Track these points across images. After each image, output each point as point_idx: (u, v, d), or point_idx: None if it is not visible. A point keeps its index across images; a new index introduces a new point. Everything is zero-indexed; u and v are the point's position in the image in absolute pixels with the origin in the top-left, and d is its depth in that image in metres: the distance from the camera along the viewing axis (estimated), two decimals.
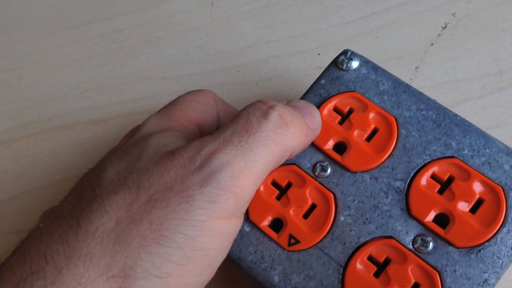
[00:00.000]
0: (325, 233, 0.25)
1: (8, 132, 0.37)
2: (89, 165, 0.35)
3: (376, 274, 0.24)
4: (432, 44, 0.35)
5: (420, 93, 0.27)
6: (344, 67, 0.28)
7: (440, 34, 0.35)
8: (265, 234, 0.26)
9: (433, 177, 0.25)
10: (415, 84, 0.34)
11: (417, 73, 0.35)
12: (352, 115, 0.27)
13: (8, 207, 0.35)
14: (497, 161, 0.25)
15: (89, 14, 0.40)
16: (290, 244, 0.25)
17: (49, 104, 0.38)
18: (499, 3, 0.36)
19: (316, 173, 0.26)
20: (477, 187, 0.24)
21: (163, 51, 0.38)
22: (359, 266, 0.24)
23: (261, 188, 0.26)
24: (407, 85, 0.27)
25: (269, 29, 0.38)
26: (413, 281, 0.23)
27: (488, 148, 0.25)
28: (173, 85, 0.37)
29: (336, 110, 0.27)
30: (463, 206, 0.24)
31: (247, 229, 0.26)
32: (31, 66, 0.39)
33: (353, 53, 0.28)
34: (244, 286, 0.31)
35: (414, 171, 0.25)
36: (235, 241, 0.26)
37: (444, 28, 0.36)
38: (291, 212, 0.26)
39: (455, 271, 0.23)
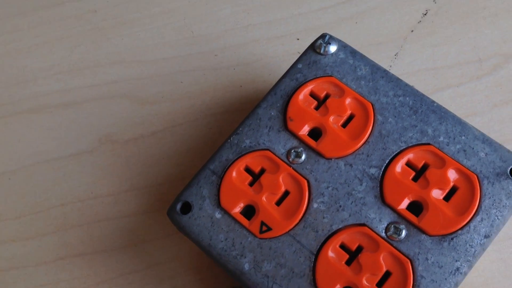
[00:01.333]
0: (297, 221, 0.25)
1: None
2: (60, 150, 0.35)
3: (348, 262, 0.24)
4: (412, 31, 0.35)
5: (398, 79, 0.26)
6: (321, 51, 0.27)
7: (420, 21, 0.35)
8: (236, 221, 0.25)
9: (408, 164, 0.25)
10: (394, 71, 0.34)
11: (397, 59, 0.34)
12: (328, 101, 0.26)
13: None
14: (473, 148, 0.25)
15: None
16: (261, 232, 0.25)
17: (19, 86, 0.37)
18: None
19: (290, 159, 0.26)
20: (452, 174, 0.24)
21: (139, 34, 0.37)
22: (331, 254, 0.24)
23: (234, 174, 0.26)
24: (385, 70, 0.27)
25: (248, 13, 0.37)
26: (384, 269, 0.23)
27: (464, 136, 0.25)
28: (148, 69, 0.36)
29: (312, 95, 0.27)
30: (437, 194, 0.24)
31: (218, 215, 0.25)
32: (2, 46, 0.38)
33: (331, 37, 0.27)
34: (215, 274, 0.30)
35: (389, 158, 0.25)
36: (206, 228, 0.25)
37: (425, 14, 0.35)
38: (264, 199, 0.25)
39: (427, 259, 0.23)
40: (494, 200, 0.24)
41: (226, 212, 0.25)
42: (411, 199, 0.24)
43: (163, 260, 0.31)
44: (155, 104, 0.35)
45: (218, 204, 0.25)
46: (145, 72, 0.36)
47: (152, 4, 0.38)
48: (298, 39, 0.36)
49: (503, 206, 0.23)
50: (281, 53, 0.35)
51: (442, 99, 0.33)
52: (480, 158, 0.24)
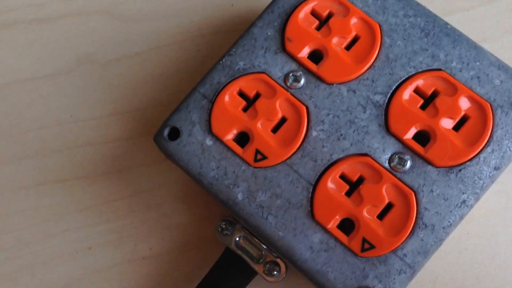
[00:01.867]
0: (295, 149, 0.23)
1: None
2: (35, 70, 0.32)
3: (348, 193, 0.23)
4: None
5: None
6: None
7: None
8: (229, 148, 0.23)
9: (417, 91, 0.23)
10: None
11: None
12: (331, 20, 0.24)
13: None
14: (487, 75, 0.23)
15: None
16: (256, 160, 0.23)
17: None
18: None
19: (288, 84, 0.24)
20: (463, 102, 0.23)
21: None
22: (330, 184, 0.22)
23: (226, 98, 0.24)
24: None
25: None
26: (386, 201, 0.22)
27: (479, 61, 0.23)
28: None
29: (313, 13, 0.24)
30: (447, 123, 0.23)
31: (209, 142, 0.23)
32: None
33: None
34: (205, 203, 0.29)
35: (397, 84, 0.23)
36: (196, 155, 0.23)
37: None
38: (259, 125, 0.23)
39: (432, 191, 0.22)
40: (507, 130, 0.22)
41: (217, 139, 0.23)
42: (418, 129, 0.23)
43: (149, 187, 0.30)
44: (138, 22, 0.33)
45: (209, 130, 0.24)
46: None
47: None
48: None
49: None
50: None
51: (451, 23, 0.30)
52: (495, 86, 0.23)
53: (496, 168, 0.22)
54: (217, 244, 0.27)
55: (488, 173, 0.22)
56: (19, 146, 0.31)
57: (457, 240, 0.28)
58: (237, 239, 0.25)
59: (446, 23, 0.24)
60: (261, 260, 0.24)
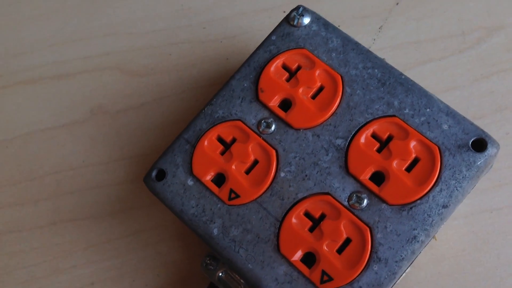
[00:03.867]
0: (264, 189, 0.26)
1: None
2: (54, 120, 0.36)
3: (311, 229, 0.25)
4: (397, 4, 0.35)
5: (368, 51, 0.27)
6: (295, 23, 0.28)
7: None
8: (207, 188, 0.26)
9: (373, 135, 0.25)
10: (378, 44, 0.34)
11: (381, 33, 0.35)
12: (299, 72, 0.27)
13: None
14: (437, 120, 0.25)
15: None
16: (230, 199, 0.26)
17: (16, 57, 0.38)
18: None
19: (261, 129, 0.27)
20: (414, 146, 0.25)
21: (131, 6, 0.38)
22: (294, 221, 0.25)
23: (206, 143, 0.27)
24: (356, 43, 0.27)
25: None
26: (344, 236, 0.24)
27: (429, 108, 0.25)
28: (139, 41, 0.37)
29: (284, 67, 0.27)
30: (399, 165, 0.25)
31: (190, 183, 0.26)
32: (0, 18, 0.40)
33: (305, 9, 0.28)
34: (198, 241, 0.32)
35: (356, 130, 0.26)
36: (178, 194, 0.26)
37: None
38: (233, 167, 0.26)
39: (385, 227, 0.24)
40: (454, 171, 0.24)
41: (198, 180, 0.26)
42: (374, 170, 0.25)
43: (148, 226, 0.33)
44: (144, 76, 0.36)
45: (191, 172, 0.26)
46: (136, 44, 0.37)
47: None
48: (284, 11, 0.36)
49: (462, 177, 0.24)
50: (267, 25, 0.36)
51: (424, 72, 0.33)
52: (443, 130, 0.25)
53: (445, 206, 0.24)
54: (207, 280, 0.30)
55: (437, 211, 0.24)
56: (36, 189, 0.34)
57: (429, 279, 0.29)
58: (220, 274, 0.27)
59: (401, 74, 0.26)
60: None
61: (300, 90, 0.26)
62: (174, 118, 0.35)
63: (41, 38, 0.39)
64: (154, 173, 0.27)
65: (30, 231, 0.34)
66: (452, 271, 0.29)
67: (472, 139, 0.24)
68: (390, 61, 0.33)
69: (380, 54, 0.34)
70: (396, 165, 0.24)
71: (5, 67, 0.38)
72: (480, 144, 0.24)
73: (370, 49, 0.33)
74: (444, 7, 0.34)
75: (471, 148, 0.24)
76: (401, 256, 0.23)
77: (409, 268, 0.27)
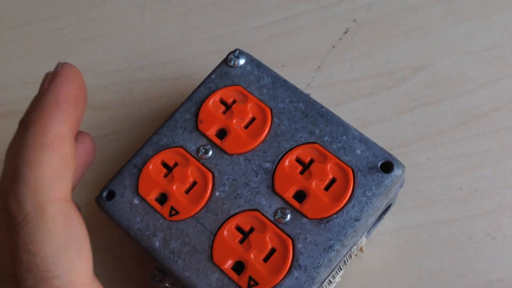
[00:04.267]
0: (201, 206, 0.29)
1: None
2: None
3: (241, 241, 0.28)
4: (333, 47, 0.39)
5: (295, 88, 0.31)
6: (232, 64, 0.32)
7: (341, 38, 0.39)
8: (151, 206, 0.29)
9: (297, 159, 0.29)
10: (316, 82, 0.38)
11: (319, 72, 0.39)
12: (234, 106, 0.30)
13: None
14: (351, 146, 0.29)
15: (33, 14, 0.45)
16: (171, 215, 0.29)
17: None
18: (395, 11, 0.39)
19: (199, 155, 0.30)
20: (331, 168, 0.28)
21: (97, 49, 0.42)
22: (226, 233, 0.28)
23: (150, 167, 0.30)
24: (284, 80, 0.31)
25: (193, 31, 0.42)
26: (269, 246, 0.27)
27: (345, 136, 0.29)
28: (105, 79, 0.41)
29: (221, 101, 0.31)
30: (318, 184, 0.27)
31: (136, 202, 0.30)
32: None
33: (241, 52, 0.32)
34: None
35: (282, 155, 0.29)
36: (126, 212, 0.30)
37: (346, 32, 0.40)
38: (174, 187, 0.29)
39: (306, 238, 0.27)
40: (365, 189, 0.27)
41: (143, 199, 0.29)
42: (296, 189, 0.28)
43: (107, 245, 0.36)
44: (108, 111, 0.40)
45: (137, 192, 0.30)
46: (101, 82, 0.41)
47: (110, 23, 0.43)
48: None
49: (372, 194, 0.27)
50: None
51: (356, 106, 0.37)
52: (357, 155, 0.28)
53: (357, 220, 0.27)
54: None
55: (350, 224, 0.27)
56: None
57: None
58: (167, 285, 0.30)
59: (322, 107, 0.30)
60: None
61: (234, 121, 0.30)
62: (133, 147, 0.38)
63: (16, 78, 0.42)
64: (105, 194, 0.30)
65: None
66: (379, 281, 0.33)
67: (381, 162, 0.28)
68: (327, 96, 0.37)
69: (318, 90, 0.38)
70: (315, 185, 0.28)
71: None
72: (387, 166, 0.28)
73: (310, 86, 0.38)
74: (374, 50, 0.39)
75: (379, 170, 0.28)
76: (319, 263, 0.26)
77: (339, 278, 0.30)
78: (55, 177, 0.21)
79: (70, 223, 0.21)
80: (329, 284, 0.29)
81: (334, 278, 0.29)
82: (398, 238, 0.33)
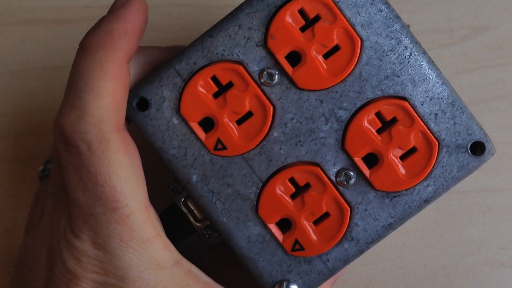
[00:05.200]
0: (254, 145, 0.19)
1: None
2: (47, 61, 0.31)
3: (293, 196, 0.19)
4: None
5: (397, 17, 0.20)
6: None
7: None
8: (192, 131, 0.19)
9: (378, 114, 0.20)
10: None
11: None
12: (316, 25, 0.20)
13: None
14: (445, 114, 0.19)
15: None
16: (216, 149, 0.19)
17: None
18: None
19: (262, 80, 0.19)
20: (415, 136, 0.19)
21: None
22: (278, 185, 0.19)
23: (200, 82, 0.20)
24: (386, 3, 0.20)
25: None
26: (324, 211, 0.19)
27: (442, 100, 0.20)
28: None
29: (301, 13, 0.20)
30: (396, 152, 0.19)
31: (175, 121, 0.19)
32: None
33: None
34: None
35: (362, 104, 0.19)
36: (160, 130, 0.19)
37: None
38: (225, 115, 0.19)
39: (366, 210, 0.20)
40: (446, 170, 0.19)
41: (183, 120, 0.19)
42: (369, 151, 0.19)
43: None
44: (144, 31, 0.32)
45: (178, 110, 0.20)
46: None
47: None
48: None
49: (451, 177, 0.19)
50: None
51: None
52: (448, 126, 0.19)
53: (426, 201, 0.19)
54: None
55: (417, 204, 0.20)
56: (20, 124, 0.30)
57: (393, 249, 0.26)
58: (183, 199, 0.21)
59: (424, 52, 0.20)
60: (201, 222, 0.21)
61: (314, 46, 0.20)
62: None
63: None
64: (135, 101, 0.20)
65: None
66: (416, 244, 0.27)
67: (473, 141, 0.20)
68: None
69: None
70: (393, 152, 0.19)
71: (6, 7, 0.33)
72: (478, 148, 0.20)
73: None
74: (436, 4, 0.30)
75: (468, 150, 0.19)
76: (373, 239, 0.20)
77: None
78: (117, 108, 0.19)
79: (131, 151, 0.19)
80: None
81: None
82: (441, 202, 0.27)
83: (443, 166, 0.20)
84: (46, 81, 0.29)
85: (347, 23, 0.20)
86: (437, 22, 0.29)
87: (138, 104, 0.20)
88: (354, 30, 0.20)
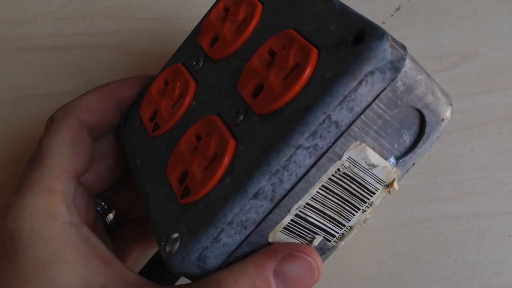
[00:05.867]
0: (178, 118, 0.23)
1: None
2: (47, 88, 0.33)
3: (195, 149, 0.22)
4: (384, 23, 0.33)
5: None
6: None
7: (392, 15, 0.34)
8: (144, 124, 0.25)
9: (270, 51, 0.21)
10: None
11: None
12: (230, 10, 0.24)
13: None
14: (327, 23, 0.19)
15: None
16: (153, 130, 0.24)
17: (18, 25, 0.36)
18: None
19: (196, 68, 0.24)
20: (296, 53, 0.19)
21: None
22: (184, 143, 0.22)
23: (153, 87, 0.25)
24: None
25: None
26: (212, 152, 0.20)
27: (325, 13, 0.20)
28: (139, 25, 0.35)
29: (224, 9, 0.25)
30: (278, 74, 0.20)
31: (137, 123, 0.25)
32: None
33: None
34: None
35: (256, 48, 0.21)
36: (130, 135, 0.25)
37: (397, 9, 0.34)
38: (163, 104, 0.24)
39: (249, 139, 0.19)
40: (325, 71, 0.18)
41: (141, 119, 0.25)
42: (255, 83, 0.20)
43: None
44: (140, 59, 0.34)
45: (138, 113, 0.26)
46: (135, 28, 0.35)
47: None
48: None
49: (332, 75, 0.17)
50: None
51: None
52: (329, 31, 0.19)
53: (306, 109, 0.18)
54: None
55: (298, 115, 0.18)
56: (21, 152, 0.32)
57: (390, 274, 0.27)
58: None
59: None
60: None
61: (227, 24, 0.24)
62: None
63: (45, 11, 0.36)
64: (122, 120, 0.26)
65: None
66: (412, 269, 0.28)
67: (354, 34, 0.18)
68: None
69: None
70: (274, 75, 0.20)
71: (6, 33, 0.35)
72: (359, 37, 0.18)
73: None
74: (425, 31, 0.33)
75: (349, 44, 0.18)
76: (252, 166, 0.18)
77: (342, 243, 0.22)
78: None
79: None
80: (326, 243, 0.22)
81: (333, 237, 0.22)
82: (435, 227, 0.28)
83: (322, 69, 0.18)
84: (45, 107, 0.31)
85: None
86: (427, 49, 0.31)
87: (124, 121, 0.26)
88: None
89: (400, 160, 0.20)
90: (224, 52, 0.23)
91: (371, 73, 0.17)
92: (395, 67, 0.18)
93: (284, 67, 0.19)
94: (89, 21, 0.36)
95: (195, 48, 0.25)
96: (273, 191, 0.18)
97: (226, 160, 0.19)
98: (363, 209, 0.21)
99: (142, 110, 0.25)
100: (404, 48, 0.18)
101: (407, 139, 0.20)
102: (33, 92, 0.34)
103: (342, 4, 0.20)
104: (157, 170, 0.22)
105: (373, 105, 0.18)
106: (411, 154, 0.20)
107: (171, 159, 0.22)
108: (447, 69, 0.33)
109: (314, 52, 0.18)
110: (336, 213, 0.20)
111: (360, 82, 0.17)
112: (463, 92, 0.32)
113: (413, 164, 0.21)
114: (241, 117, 0.20)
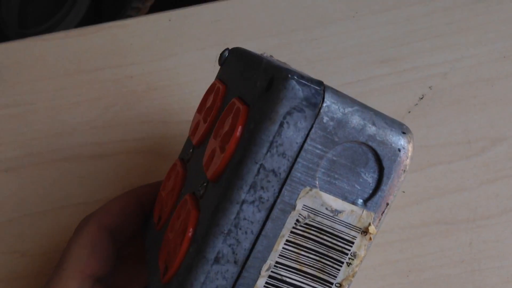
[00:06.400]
0: (170, 208, 0.25)
1: (16, 160, 0.37)
2: (87, 196, 0.34)
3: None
4: (409, 112, 0.35)
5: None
6: None
7: (417, 104, 0.35)
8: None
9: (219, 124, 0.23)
10: None
11: None
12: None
13: (7, 229, 0.33)
14: (256, 80, 0.20)
15: (103, 61, 0.40)
16: (157, 224, 0.26)
17: (57, 137, 0.38)
18: (472, 81, 0.36)
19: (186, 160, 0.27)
20: (233, 117, 0.20)
21: (166, 98, 0.38)
22: (170, 227, 0.23)
23: (161, 189, 0.28)
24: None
25: None
26: (182, 227, 0.20)
27: (255, 70, 0.20)
28: (173, 129, 0.37)
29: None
30: (220, 140, 0.21)
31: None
32: (47, 102, 0.39)
33: None
34: None
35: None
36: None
37: (421, 99, 0.35)
38: (163, 195, 0.27)
39: (206, 207, 0.20)
40: (249, 123, 0.18)
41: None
42: (209, 153, 0.21)
43: None
44: (168, 161, 0.35)
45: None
46: (170, 132, 0.37)
47: (180, 74, 0.39)
48: None
49: (254, 126, 0.18)
50: None
51: (435, 173, 0.32)
52: (256, 87, 0.19)
53: (239, 162, 0.18)
54: None
55: (233, 171, 0.18)
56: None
57: None
58: None
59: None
60: None
61: (203, 113, 0.26)
62: None
63: (82, 122, 0.38)
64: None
65: None
66: None
67: (266, 81, 0.18)
68: None
69: None
70: (219, 142, 0.20)
71: (46, 145, 0.37)
72: (270, 83, 0.18)
73: None
74: (451, 118, 0.34)
75: (264, 92, 0.18)
76: (205, 231, 0.18)
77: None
78: None
79: None
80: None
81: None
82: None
83: (248, 123, 0.18)
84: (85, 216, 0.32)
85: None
86: (455, 135, 0.32)
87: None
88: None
89: (369, 201, 0.19)
90: (198, 137, 0.24)
91: (289, 113, 0.17)
92: (312, 103, 0.17)
93: (222, 132, 0.20)
94: (125, 128, 0.39)
95: (189, 144, 0.27)
96: (233, 253, 0.18)
97: (191, 232, 0.19)
98: (347, 262, 0.19)
99: (154, 208, 0.27)
100: (319, 83, 0.18)
101: (369, 178, 0.19)
102: (74, 201, 0.35)
103: (268, 61, 0.20)
104: (156, 258, 0.23)
105: (307, 146, 0.18)
106: (379, 193, 0.19)
107: (162, 244, 0.22)
108: (477, 154, 0.34)
109: (244, 110, 0.19)
110: (317, 270, 0.19)
111: (281, 125, 0.17)
112: (495, 177, 0.32)
113: (388, 204, 0.19)
114: (204, 189, 0.20)
